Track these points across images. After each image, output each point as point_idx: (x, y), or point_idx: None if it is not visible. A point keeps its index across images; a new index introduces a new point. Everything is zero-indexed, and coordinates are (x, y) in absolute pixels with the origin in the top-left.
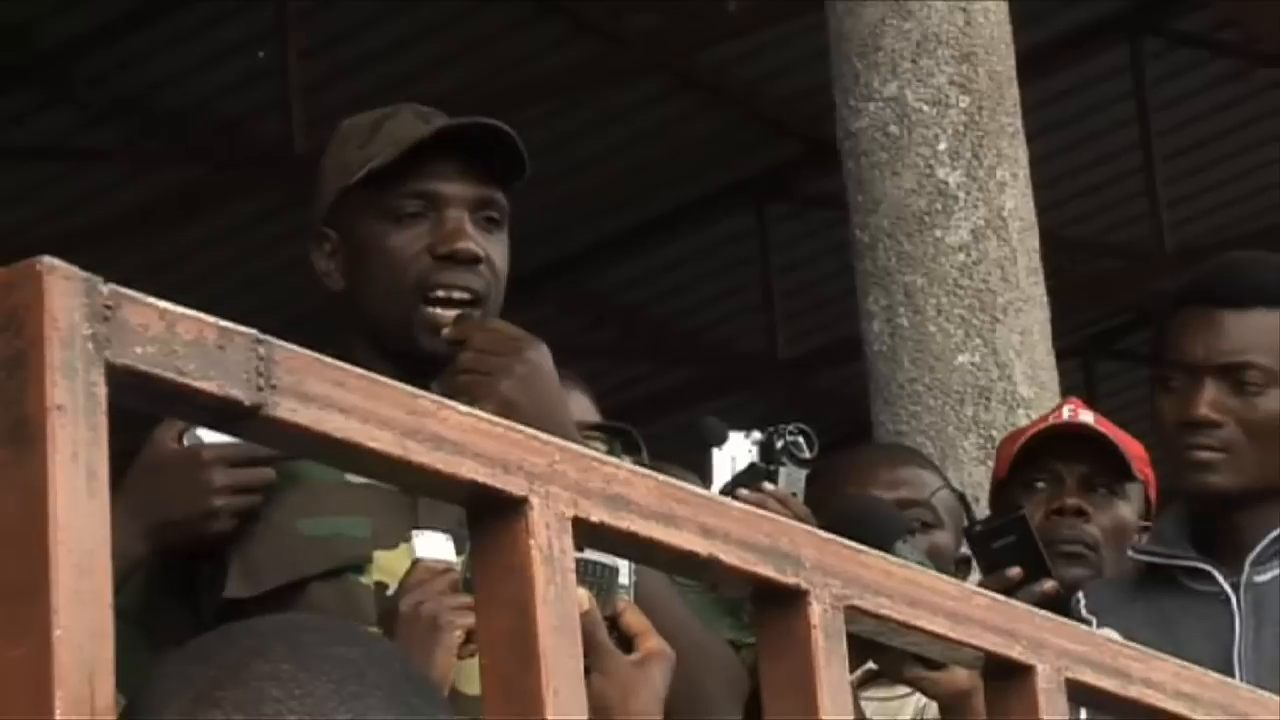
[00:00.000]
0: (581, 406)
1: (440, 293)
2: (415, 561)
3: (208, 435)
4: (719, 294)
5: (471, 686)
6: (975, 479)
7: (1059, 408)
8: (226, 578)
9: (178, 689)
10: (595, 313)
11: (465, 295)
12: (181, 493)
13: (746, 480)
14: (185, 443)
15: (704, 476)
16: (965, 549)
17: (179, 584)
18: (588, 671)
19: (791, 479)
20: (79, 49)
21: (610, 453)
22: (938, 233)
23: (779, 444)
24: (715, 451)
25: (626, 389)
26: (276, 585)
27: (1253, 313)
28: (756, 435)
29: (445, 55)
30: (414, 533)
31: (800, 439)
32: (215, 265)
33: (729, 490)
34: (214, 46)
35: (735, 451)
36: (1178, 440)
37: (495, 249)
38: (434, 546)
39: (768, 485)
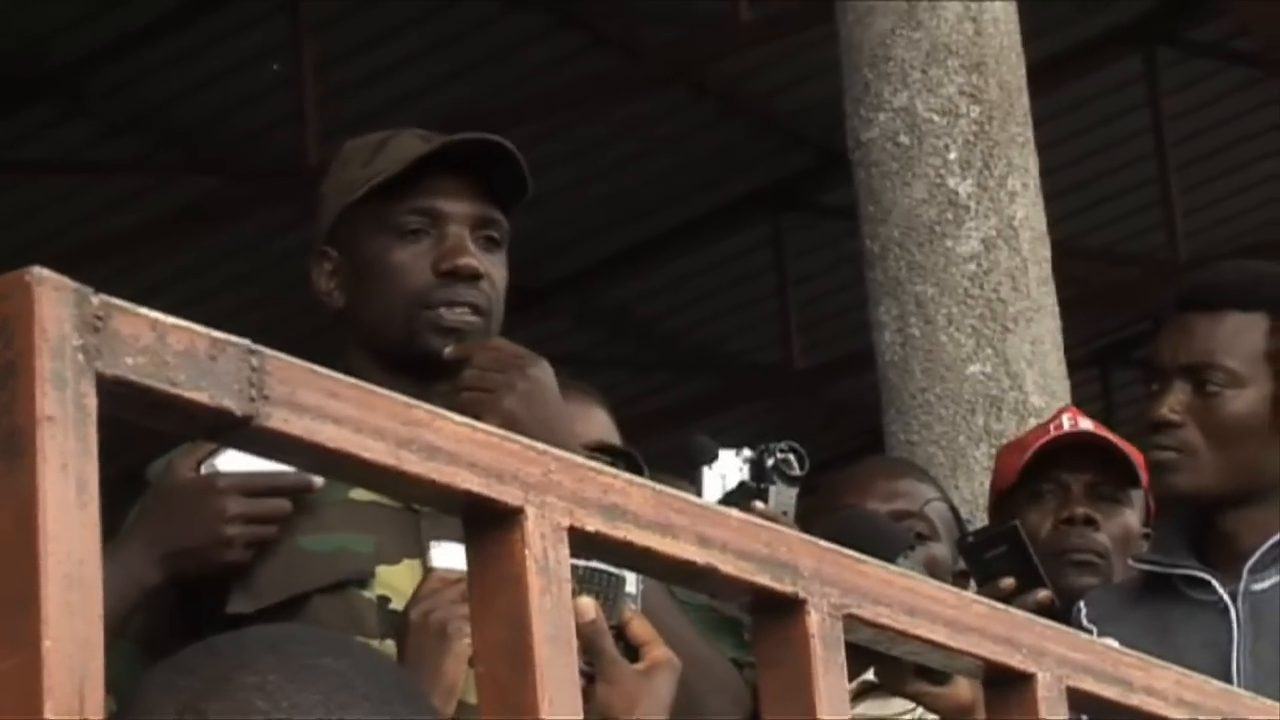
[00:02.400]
0: (600, 422)
1: (443, 309)
2: (428, 570)
3: (224, 465)
4: (734, 305)
5: (470, 696)
6: (987, 489)
7: (1057, 418)
8: (229, 595)
9: (163, 700)
10: (611, 325)
11: (466, 309)
12: (195, 520)
13: (737, 499)
14: (202, 471)
15: (694, 495)
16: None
17: (186, 610)
18: (594, 680)
19: (781, 497)
20: (93, 63)
21: None
22: (948, 242)
23: (769, 462)
24: (706, 470)
25: (642, 401)
26: (278, 600)
27: (1223, 315)
28: (747, 453)
29: (461, 68)
30: (431, 543)
31: (790, 457)
32: (230, 278)
33: None
34: (228, 60)
35: (725, 469)
36: (1148, 442)
37: (495, 268)
38: (452, 556)
39: (758, 504)
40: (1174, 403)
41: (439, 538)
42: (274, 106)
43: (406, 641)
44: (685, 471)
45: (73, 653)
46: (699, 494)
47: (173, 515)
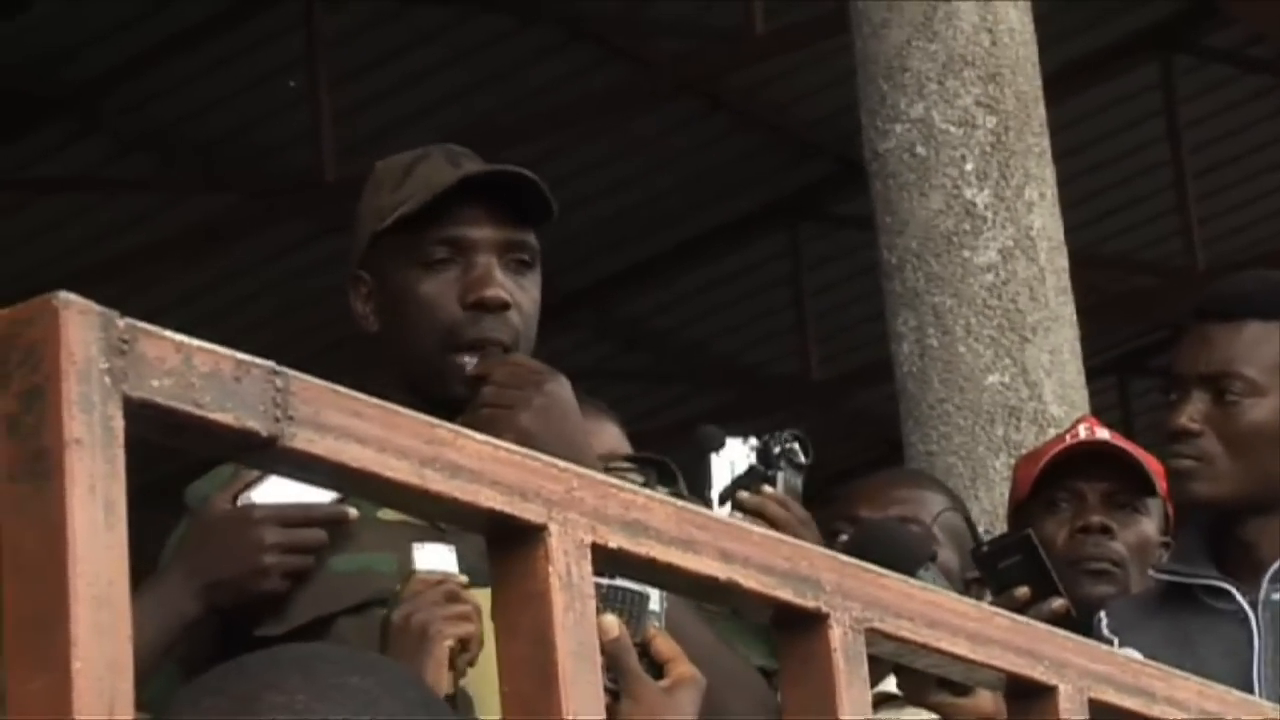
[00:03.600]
0: (611, 435)
1: (470, 349)
2: (411, 573)
3: (261, 498)
4: (752, 317)
5: (491, 714)
6: (1006, 499)
7: (1074, 427)
8: (256, 617)
9: None
10: (628, 337)
11: (494, 347)
12: (232, 551)
13: (746, 483)
14: (239, 503)
15: (703, 482)
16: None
17: (226, 633)
18: (618, 697)
19: (789, 483)
20: (110, 80)
21: (645, 484)
22: (966, 253)
23: (776, 449)
24: (714, 457)
25: (660, 414)
26: (304, 621)
27: (1242, 324)
28: (754, 441)
29: (475, 82)
30: (414, 545)
31: (796, 445)
32: (246, 295)
33: (728, 494)
34: (244, 76)
35: (733, 457)
36: (1167, 451)
37: (525, 293)
38: (434, 559)
39: (767, 488)
40: (1193, 412)
41: (462, 554)
42: (290, 123)
43: (389, 645)
44: (693, 462)
45: (102, 674)
46: (707, 483)
47: (210, 547)
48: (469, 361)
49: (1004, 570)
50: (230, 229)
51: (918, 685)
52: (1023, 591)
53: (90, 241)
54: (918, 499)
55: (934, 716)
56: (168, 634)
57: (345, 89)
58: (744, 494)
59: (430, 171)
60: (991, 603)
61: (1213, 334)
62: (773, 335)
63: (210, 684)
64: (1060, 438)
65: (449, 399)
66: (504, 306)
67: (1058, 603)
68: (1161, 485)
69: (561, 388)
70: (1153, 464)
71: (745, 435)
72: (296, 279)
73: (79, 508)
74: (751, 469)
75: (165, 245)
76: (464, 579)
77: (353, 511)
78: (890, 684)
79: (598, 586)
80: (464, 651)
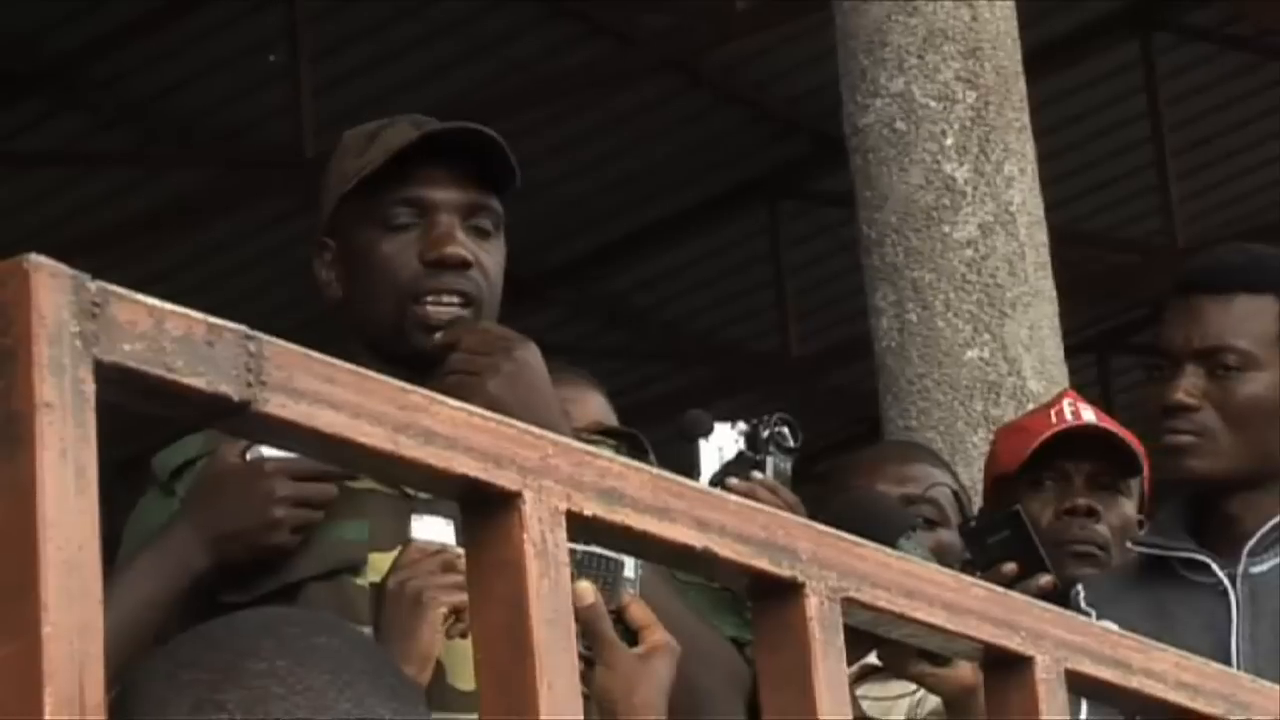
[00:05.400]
0: (595, 404)
1: (430, 298)
2: (408, 542)
3: (270, 451)
4: (731, 294)
5: (464, 681)
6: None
7: (1057, 404)
8: (220, 583)
9: (172, 696)
10: (607, 314)
11: (455, 299)
12: (243, 504)
13: (735, 470)
14: (248, 457)
15: (691, 469)
16: None
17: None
18: (592, 664)
19: (778, 468)
20: (88, 54)
21: None
22: (945, 228)
23: (764, 434)
24: (702, 443)
25: (639, 390)
26: (273, 588)
27: (1233, 298)
28: (742, 426)
29: (457, 57)
30: (413, 516)
31: (785, 429)
32: (225, 270)
33: (718, 480)
34: (224, 50)
35: (722, 442)
36: (1159, 426)
37: (488, 255)
38: (432, 529)
39: (756, 474)
40: (1189, 387)
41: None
42: (270, 97)
43: (383, 611)
44: (681, 447)
45: (73, 639)
46: (695, 468)
47: (222, 500)
48: (429, 312)
49: (992, 545)
50: (210, 203)
51: (898, 656)
52: (1010, 567)
53: (69, 216)
54: (918, 474)
55: (917, 688)
56: (175, 588)
57: (326, 63)
58: (733, 480)
59: (394, 135)
60: (980, 578)
61: (1203, 307)
62: (752, 312)
63: (180, 657)
64: (1045, 413)
65: (412, 354)
66: (464, 264)
67: (1045, 579)
68: (1145, 465)
69: (531, 354)
70: (1135, 443)
71: (733, 420)
72: (276, 254)
73: (49, 472)
74: (740, 455)
75: (144, 220)
76: (461, 551)
77: None
78: (874, 656)
79: (572, 553)
80: (458, 621)
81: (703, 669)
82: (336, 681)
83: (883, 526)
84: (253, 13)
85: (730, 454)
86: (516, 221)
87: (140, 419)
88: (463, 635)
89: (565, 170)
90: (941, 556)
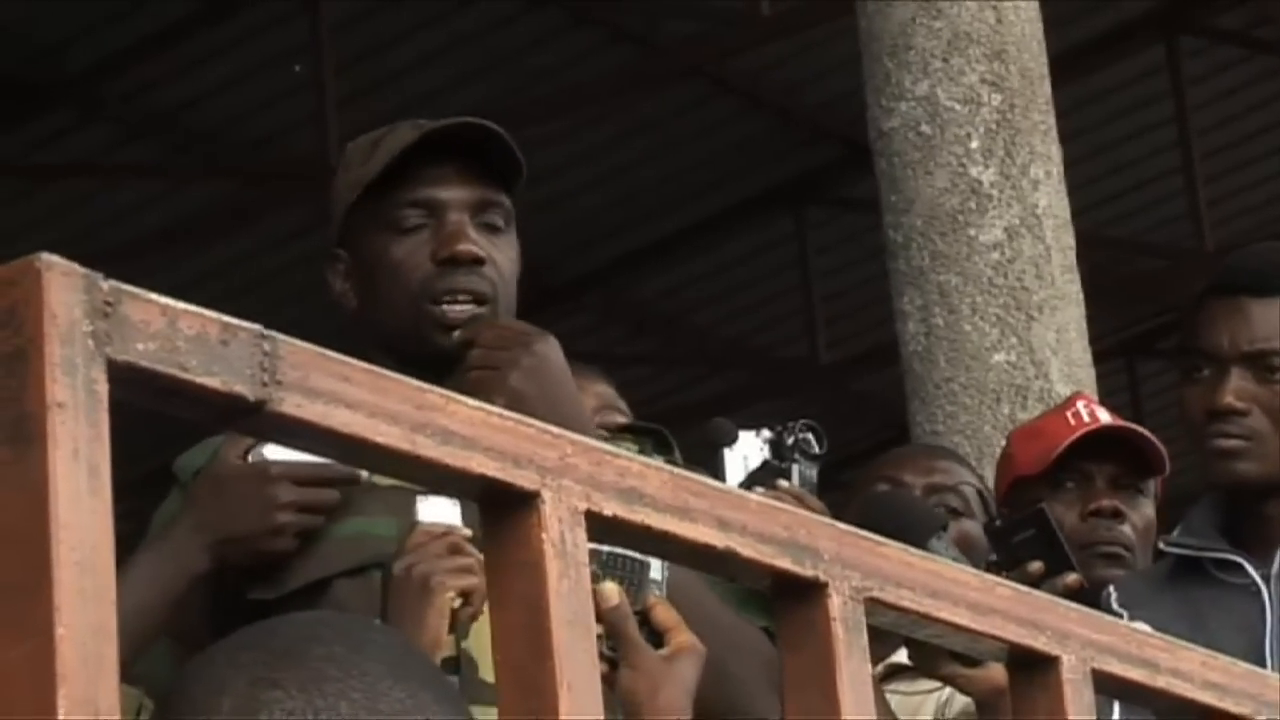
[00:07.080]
0: (597, 393)
1: (446, 298)
2: (413, 525)
3: (272, 453)
4: (759, 300)
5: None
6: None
7: (1071, 406)
8: (248, 581)
9: (231, 674)
10: (636, 321)
11: (469, 298)
12: (246, 508)
13: (761, 478)
14: (250, 459)
15: (717, 477)
16: None
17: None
18: (617, 665)
19: (804, 476)
20: (112, 66)
21: (641, 453)
22: (971, 231)
23: (789, 441)
24: (726, 451)
25: (668, 396)
26: (301, 584)
27: (1275, 299)
28: (767, 433)
29: (481, 66)
30: (418, 499)
31: (810, 435)
32: (250, 281)
33: (744, 489)
34: (248, 62)
35: (747, 451)
36: (1204, 430)
37: (500, 251)
38: (438, 511)
39: (783, 483)
40: (1237, 390)
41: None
42: (294, 108)
43: (390, 595)
44: (705, 456)
45: (86, 640)
46: (720, 477)
47: (224, 503)
48: (445, 312)
49: (1017, 545)
50: (234, 215)
51: (929, 656)
52: (1036, 566)
53: (93, 229)
54: (946, 468)
55: (946, 687)
56: (175, 590)
57: (349, 74)
58: (759, 489)
59: (395, 139)
60: (1006, 577)
61: (1249, 309)
62: (780, 318)
63: (243, 642)
64: (1061, 416)
65: (430, 354)
66: (477, 261)
67: (1071, 578)
68: (1166, 466)
69: (550, 347)
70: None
71: (758, 428)
72: (300, 265)
73: (62, 472)
74: (766, 463)
75: (168, 232)
76: (468, 531)
77: (364, 473)
78: (903, 655)
79: (598, 554)
80: (466, 605)
81: (737, 663)
82: (392, 672)
83: (913, 527)
84: (276, 25)
85: (755, 462)
86: (543, 229)
87: (175, 431)
88: (472, 618)
89: (592, 178)
90: (966, 547)
